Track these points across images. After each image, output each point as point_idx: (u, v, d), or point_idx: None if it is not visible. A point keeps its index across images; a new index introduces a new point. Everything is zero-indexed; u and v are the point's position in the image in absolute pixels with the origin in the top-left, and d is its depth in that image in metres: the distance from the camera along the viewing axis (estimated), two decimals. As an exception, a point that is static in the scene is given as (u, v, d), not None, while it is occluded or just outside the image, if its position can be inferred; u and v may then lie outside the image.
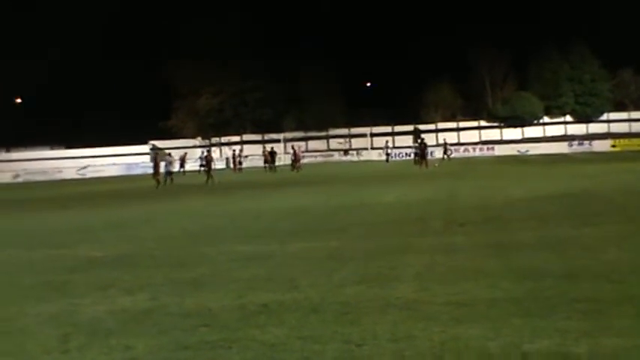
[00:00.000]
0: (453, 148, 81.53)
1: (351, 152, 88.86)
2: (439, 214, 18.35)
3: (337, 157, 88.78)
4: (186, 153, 72.66)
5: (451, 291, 9.02)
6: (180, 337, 7.62)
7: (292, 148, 68.50)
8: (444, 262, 11.19)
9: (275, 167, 63.29)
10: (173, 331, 7.87)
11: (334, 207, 22.66)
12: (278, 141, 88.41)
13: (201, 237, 16.41)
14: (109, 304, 9.48)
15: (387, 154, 75.74)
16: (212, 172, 47.50)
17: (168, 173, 46.64)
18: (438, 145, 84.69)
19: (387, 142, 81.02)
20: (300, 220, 18.85)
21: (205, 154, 51.47)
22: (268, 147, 71.40)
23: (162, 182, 44.52)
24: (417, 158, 56.64)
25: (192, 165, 69.55)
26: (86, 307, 9.31)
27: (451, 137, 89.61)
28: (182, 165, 65.20)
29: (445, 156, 68.88)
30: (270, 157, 65.01)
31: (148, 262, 12.96)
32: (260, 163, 69.48)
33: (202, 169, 61.69)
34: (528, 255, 11.40)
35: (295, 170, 59.71)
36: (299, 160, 66.03)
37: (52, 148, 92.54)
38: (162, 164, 46.91)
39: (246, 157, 75.93)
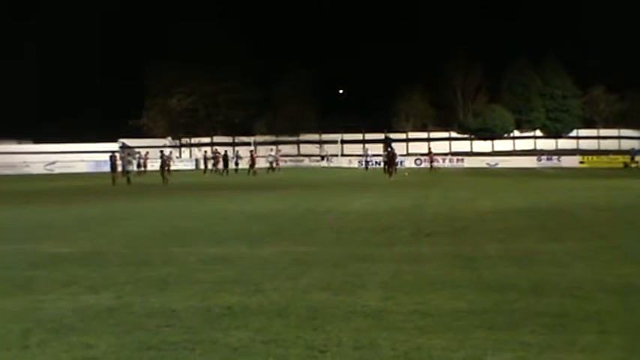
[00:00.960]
0: (422, 158, 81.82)
1: (327, 158, 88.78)
2: (407, 224, 18.37)
3: (307, 162, 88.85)
4: (147, 152, 72.47)
5: (416, 300, 9.04)
6: (143, 336, 7.57)
7: (250, 152, 68.74)
8: (410, 271, 11.20)
9: (221, 170, 63.29)
10: (136, 330, 7.82)
11: (303, 212, 22.64)
12: (249, 144, 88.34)
13: (169, 237, 16.32)
14: (72, 301, 9.41)
15: (367, 162, 74.66)
16: (166, 174, 47.86)
17: (126, 172, 47.02)
18: (408, 154, 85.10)
19: (366, 149, 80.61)
20: (269, 224, 18.77)
21: (160, 154, 51.53)
22: (222, 150, 71.05)
23: (125, 180, 44.96)
24: (385, 167, 56.87)
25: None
26: (49, 304, 9.23)
27: (421, 147, 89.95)
28: (144, 164, 65.30)
29: (430, 165, 69.10)
30: (223, 159, 64.95)
31: (114, 260, 12.87)
32: (231, 165, 69.22)
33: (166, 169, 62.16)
34: (495, 267, 11.44)
35: (253, 173, 60.16)
36: (277, 163, 68.46)
37: (19, 142, 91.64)
38: (120, 162, 47.56)
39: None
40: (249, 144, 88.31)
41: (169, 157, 54.42)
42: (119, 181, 44.72)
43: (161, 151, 52.85)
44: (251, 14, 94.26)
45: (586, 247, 13.71)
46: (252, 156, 65.25)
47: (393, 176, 50.37)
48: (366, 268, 11.47)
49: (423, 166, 79.22)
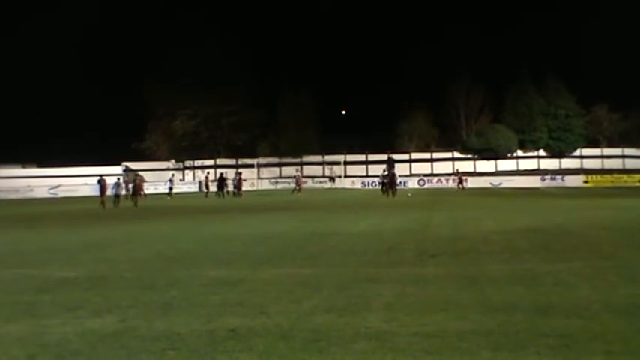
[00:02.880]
0: (426, 178, 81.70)
1: (335, 179, 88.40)
2: (411, 245, 18.33)
3: (311, 183, 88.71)
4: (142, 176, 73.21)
5: (421, 322, 9.01)
6: (148, 360, 7.56)
7: (239, 174, 69.02)
8: (414, 292, 11.17)
9: (222, 193, 63.61)
10: (141, 354, 7.81)
11: (307, 234, 22.57)
12: (252, 166, 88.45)
13: (173, 260, 16.28)
14: (77, 325, 9.40)
15: (383, 184, 60.71)
16: (138, 197, 48.60)
17: (117, 196, 47.32)
18: (411, 175, 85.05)
19: (383, 170, 76.86)
20: (273, 246, 18.74)
21: (134, 177, 52.15)
22: (218, 172, 72.06)
23: (114, 204, 45.31)
24: (385, 188, 56.82)
25: (163, 189, 70.00)
26: (54, 328, 9.22)
27: (424, 168, 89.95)
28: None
29: (460, 186, 68.70)
30: (220, 182, 65.44)
31: (118, 283, 12.86)
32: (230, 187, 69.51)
33: (170, 191, 62.78)
34: (500, 288, 11.39)
35: (239, 196, 61.12)
36: (300, 185, 71.74)
37: (23, 167, 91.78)
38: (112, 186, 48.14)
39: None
40: (252, 166, 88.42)
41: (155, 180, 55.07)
42: (109, 205, 45.07)
43: (135, 174, 53.53)
44: (253, 36, 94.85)
45: (591, 267, 13.65)
46: (239, 179, 65.98)
47: (396, 196, 50.43)
48: (371, 290, 11.45)
49: (426, 186, 79.08)
